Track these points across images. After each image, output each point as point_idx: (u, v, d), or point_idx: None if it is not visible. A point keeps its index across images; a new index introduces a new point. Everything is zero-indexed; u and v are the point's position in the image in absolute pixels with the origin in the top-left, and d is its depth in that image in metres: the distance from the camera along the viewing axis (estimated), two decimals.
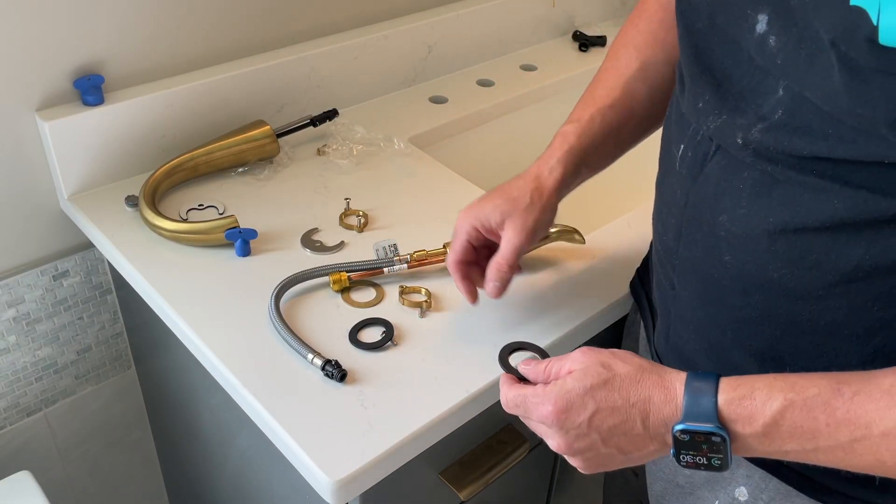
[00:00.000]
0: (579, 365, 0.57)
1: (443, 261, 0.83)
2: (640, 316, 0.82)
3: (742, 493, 0.66)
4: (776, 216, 0.54)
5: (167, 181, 0.93)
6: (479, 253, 0.77)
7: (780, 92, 0.51)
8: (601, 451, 0.57)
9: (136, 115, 0.94)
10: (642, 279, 0.80)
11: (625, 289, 0.83)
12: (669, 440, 0.54)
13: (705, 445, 0.52)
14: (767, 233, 0.55)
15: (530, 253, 0.86)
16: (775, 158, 0.52)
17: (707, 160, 0.59)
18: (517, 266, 0.74)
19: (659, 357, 0.73)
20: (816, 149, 0.50)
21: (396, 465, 0.68)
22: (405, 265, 0.83)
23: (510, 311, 0.80)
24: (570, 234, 0.86)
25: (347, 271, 0.82)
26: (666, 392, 0.54)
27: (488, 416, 0.78)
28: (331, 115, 1.06)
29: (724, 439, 0.52)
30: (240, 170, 0.99)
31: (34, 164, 0.92)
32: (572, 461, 0.59)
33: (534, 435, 0.88)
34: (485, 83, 1.25)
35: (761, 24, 0.51)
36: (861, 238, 0.51)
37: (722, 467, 0.53)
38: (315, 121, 1.05)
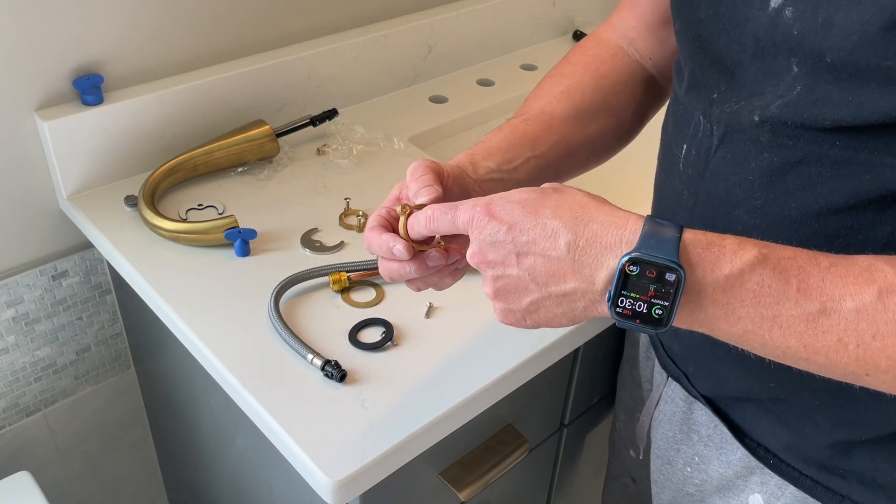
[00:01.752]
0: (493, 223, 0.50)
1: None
2: None
3: (757, 500, 0.66)
4: (797, 201, 0.51)
5: (167, 181, 0.93)
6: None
7: (795, 68, 0.50)
8: (513, 272, 0.49)
9: (135, 115, 0.94)
10: None
11: None
12: (601, 278, 0.46)
13: (654, 286, 0.45)
14: (789, 220, 0.52)
15: None
16: (794, 135, 0.50)
17: (711, 154, 0.57)
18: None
19: (673, 361, 0.72)
20: (839, 117, 0.47)
21: (396, 465, 0.68)
22: None
23: None
24: None
25: (347, 271, 0.82)
26: (612, 218, 0.47)
27: (488, 416, 0.78)
28: (331, 114, 1.06)
29: (679, 279, 0.45)
30: (239, 170, 0.99)
31: (33, 163, 0.92)
32: (484, 285, 0.52)
33: (534, 435, 0.88)
34: (485, 83, 1.24)
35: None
36: (887, 215, 0.49)
37: (660, 323, 0.46)
38: (315, 121, 1.05)
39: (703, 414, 0.69)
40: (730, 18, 0.55)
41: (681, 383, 0.71)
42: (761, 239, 0.49)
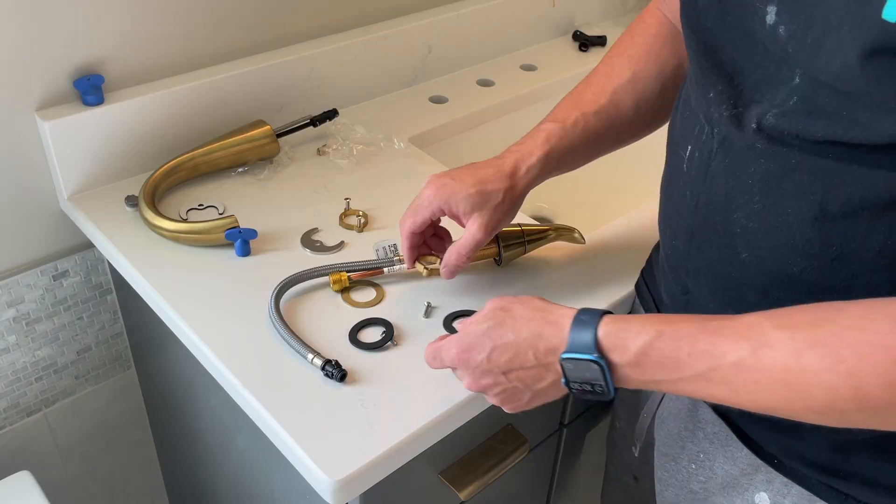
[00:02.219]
0: (482, 312, 0.63)
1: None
2: None
3: (763, 498, 0.66)
4: (792, 207, 0.54)
5: (167, 181, 0.93)
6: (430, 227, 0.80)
7: (797, 80, 0.51)
8: (507, 386, 0.62)
9: (136, 115, 0.94)
10: (648, 282, 0.80)
11: (625, 289, 0.83)
12: (558, 371, 0.59)
13: (588, 373, 0.57)
14: (786, 225, 0.55)
15: (530, 253, 0.86)
16: (790, 143, 0.52)
17: (712, 158, 0.58)
18: (467, 261, 0.78)
19: None
20: (832, 131, 0.50)
21: (396, 465, 0.68)
22: (405, 265, 0.82)
23: None
24: (570, 234, 0.86)
25: (347, 271, 0.82)
26: (554, 326, 0.59)
27: (488, 416, 0.78)
28: (331, 115, 1.06)
29: (601, 366, 0.56)
30: (240, 170, 0.99)
31: (34, 164, 0.92)
32: (488, 399, 0.65)
33: (534, 435, 0.88)
34: (485, 83, 1.25)
35: (770, 15, 0.51)
36: (881, 223, 0.50)
37: (605, 394, 0.58)
38: (315, 121, 1.05)
39: (707, 412, 0.69)
40: (736, 28, 0.55)
41: None
42: (755, 245, 0.57)
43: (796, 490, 0.63)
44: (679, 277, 0.67)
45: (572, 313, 0.59)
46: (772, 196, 0.55)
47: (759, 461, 0.65)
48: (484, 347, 0.62)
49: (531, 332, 0.60)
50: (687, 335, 0.53)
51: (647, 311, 0.80)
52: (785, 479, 0.64)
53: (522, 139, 0.79)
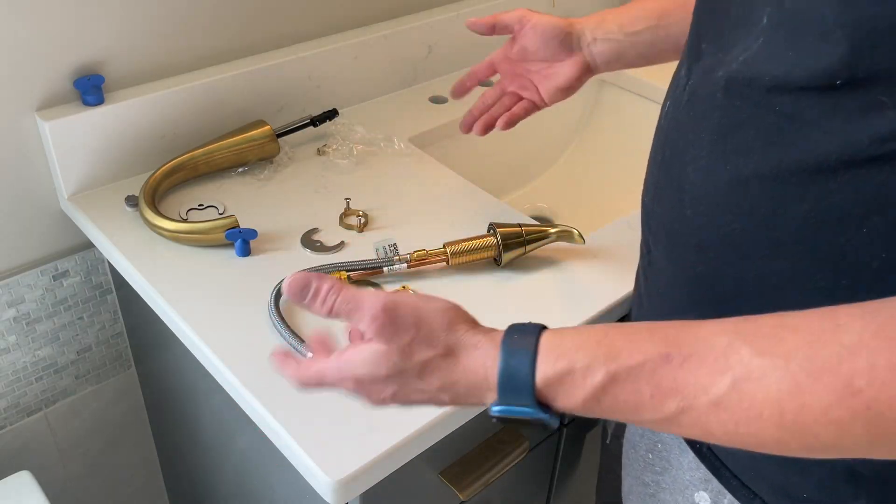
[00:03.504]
0: (373, 348, 0.50)
1: (443, 261, 0.83)
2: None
3: (703, 497, 0.65)
4: (732, 164, 0.51)
5: (167, 181, 0.93)
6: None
7: (765, 20, 0.49)
8: (421, 399, 0.52)
9: (136, 115, 0.94)
10: None
11: (625, 289, 0.83)
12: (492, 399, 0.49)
13: (525, 424, 0.49)
14: (724, 182, 0.52)
15: (530, 253, 0.86)
16: (743, 94, 0.50)
17: (679, 110, 0.57)
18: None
19: None
20: (778, 73, 0.47)
21: (396, 465, 0.68)
22: (405, 265, 0.83)
23: (509, 311, 0.80)
24: (570, 234, 0.86)
25: (347, 271, 0.82)
26: (474, 375, 0.49)
27: (488, 416, 0.78)
28: (331, 115, 1.07)
29: (542, 422, 0.48)
30: (240, 170, 0.99)
31: (34, 164, 0.92)
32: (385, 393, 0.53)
33: (534, 435, 0.88)
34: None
35: None
36: (808, 191, 0.48)
37: (548, 430, 0.49)
38: (315, 121, 1.05)
39: None
40: None
41: None
42: (697, 201, 0.53)
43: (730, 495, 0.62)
44: (645, 236, 0.66)
45: (494, 355, 0.48)
46: (717, 151, 0.52)
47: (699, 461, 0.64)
48: (388, 388, 0.51)
49: (444, 381, 0.50)
50: (647, 373, 0.44)
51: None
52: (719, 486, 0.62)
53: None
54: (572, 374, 0.46)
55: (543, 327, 0.49)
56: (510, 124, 0.88)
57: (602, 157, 1.30)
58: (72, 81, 0.91)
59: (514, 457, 0.84)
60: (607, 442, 0.84)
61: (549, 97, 0.86)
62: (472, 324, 0.51)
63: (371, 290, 0.52)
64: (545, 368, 0.47)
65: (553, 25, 0.82)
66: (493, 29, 0.85)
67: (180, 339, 0.80)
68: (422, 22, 1.18)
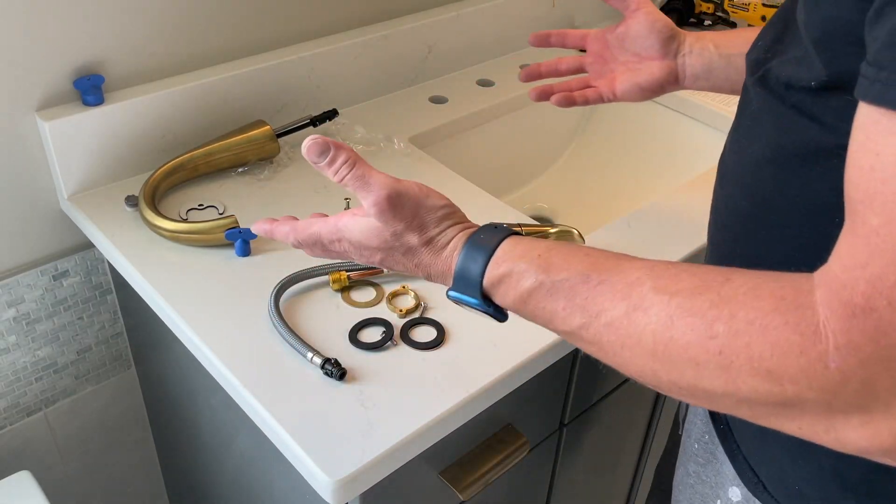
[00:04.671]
0: (370, 223, 0.59)
1: None
2: None
3: (735, 493, 0.66)
4: (752, 147, 0.57)
5: (167, 181, 0.93)
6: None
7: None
8: (401, 269, 0.62)
9: (136, 115, 0.94)
10: None
11: None
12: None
13: (474, 307, 0.57)
14: (741, 164, 0.58)
15: None
16: (770, 87, 0.55)
17: (740, 103, 0.62)
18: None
19: None
20: (790, 75, 0.52)
21: (396, 465, 0.68)
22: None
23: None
24: (570, 234, 0.86)
25: (347, 270, 0.82)
26: (443, 265, 0.58)
27: (488, 416, 0.78)
28: (331, 115, 1.07)
29: (484, 311, 0.57)
30: (240, 170, 0.99)
31: (34, 164, 0.92)
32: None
33: (534, 435, 0.88)
34: (485, 83, 1.25)
35: None
36: (798, 176, 0.52)
37: (498, 319, 0.57)
38: (315, 121, 1.05)
39: None
40: None
41: None
42: (726, 180, 0.60)
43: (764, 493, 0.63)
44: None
45: (461, 245, 0.57)
46: (748, 135, 0.58)
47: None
48: (375, 255, 0.61)
49: (419, 262, 0.60)
50: (566, 289, 0.50)
51: None
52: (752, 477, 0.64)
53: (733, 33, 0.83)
54: (510, 278, 0.54)
55: (511, 233, 0.56)
56: (568, 103, 0.85)
57: (602, 157, 1.30)
58: (72, 81, 0.91)
59: (514, 457, 0.84)
60: (679, 432, 0.84)
61: (624, 92, 0.83)
62: (459, 220, 0.60)
63: (381, 174, 0.58)
64: (492, 270, 0.55)
65: (665, 21, 0.81)
66: None
67: (180, 339, 0.80)
68: (422, 22, 1.18)
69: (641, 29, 0.82)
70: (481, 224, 0.59)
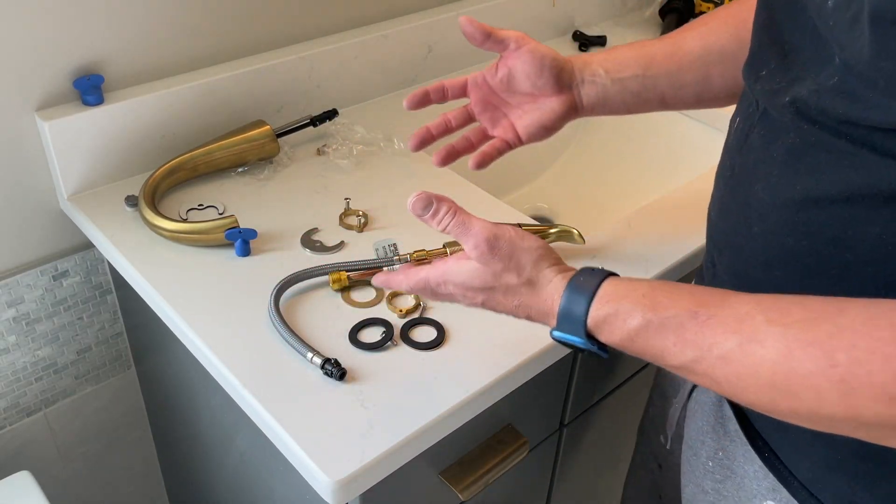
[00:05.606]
0: (472, 265, 0.63)
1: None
2: None
3: None
4: (802, 184, 0.54)
5: (167, 181, 0.93)
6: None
7: (837, 60, 0.50)
8: (502, 310, 0.65)
9: (135, 115, 0.94)
10: None
11: None
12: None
13: (579, 350, 0.60)
14: (793, 202, 0.55)
15: None
16: (816, 119, 0.52)
17: (752, 129, 0.59)
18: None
19: None
20: (852, 112, 0.49)
21: (396, 464, 0.68)
22: (404, 265, 0.82)
23: None
24: (570, 234, 0.86)
25: (347, 271, 0.82)
26: (544, 304, 0.61)
27: (488, 416, 0.78)
28: (331, 115, 1.07)
29: (590, 351, 0.59)
30: (240, 170, 0.99)
31: (34, 164, 0.92)
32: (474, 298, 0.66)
33: (534, 435, 0.88)
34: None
35: None
36: (879, 215, 0.50)
37: (600, 356, 0.59)
38: (315, 121, 1.05)
39: (728, 409, 0.68)
40: (796, 4, 0.55)
41: None
42: (765, 218, 0.57)
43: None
44: (709, 249, 0.68)
45: (562, 288, 0.59)
46: (789, 171, 0.55)
47: (766, 470, 0.65)
48: (477, 298, 0.64)
49: (520, 303, 0.62)
50: (675, 325, 0.52)
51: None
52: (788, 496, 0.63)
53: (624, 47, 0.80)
54: (615, 317, 0.56)
55: (609, 274, 0.59)
56: (482, 165, 0.80)
57: (602, 157, 1.30)
58: (72, 81, 0.91)
59: (514, 457, 0.84)
60: (667, 447, 0.84)
61: (528, 135, 0.79)
62: (555, 262, 0.63)
63: (479, 220, 0.63)
64: (596, 310, 0.57)
65: (553, 55, 0.76)
66: (487, 38, 0.78)
67: (180, 339, 0.80)
68: (422, 22, 1.18)
69: (530, 69, 0.76)
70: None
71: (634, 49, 0.78)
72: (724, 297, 0.52)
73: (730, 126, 0.67)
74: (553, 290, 0.60)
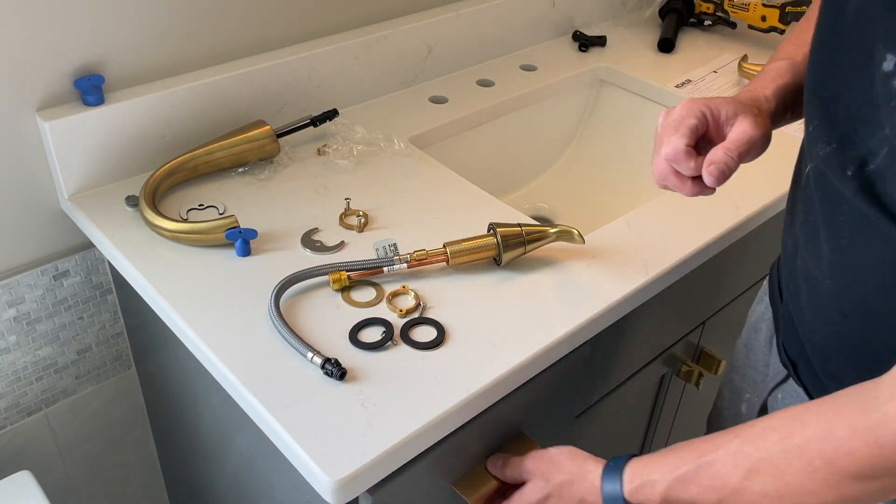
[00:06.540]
0: (532, 485, 0.74)
1: (443, 260, 0.83)
2: (770, 313, 0.82)
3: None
4: (874, 254, 0.57)
5: (167, 181, 0.93)
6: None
7: (887, 130, 0.52)
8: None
9: (136, 115, 0.94)
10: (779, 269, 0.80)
11: (624, 290, 0.83)
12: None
13: None
14: (867, 265, 0.59)
15: (530, 253, 0.86)
16: (874, 197, 0.55)
17: (818, 181, 0.62)
18: (737, 162, 0.67)
19: (785, 351, 0.76)
20: None
21: (397, 464, 0.68)
22: (405, 265, 0.83)
23: (509, 311, 0.80)
24: (570, 234, 0.86)
25: (347, 271, 0.82)
26: (590, 493, 0.70)
27: (500, 424, 0.78)
28: (331, 115, 1.07)
29: None
30: (240, 170, 0.99)
31: (34, 164, 0.92)
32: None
33: (545, 442, 0.88)
34: (485, 83, 1.25)
35: (889, 63, 0.52)
36: None
37: None
38: (315, 121, 1.05)
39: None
40: (845, 64, 0.57)
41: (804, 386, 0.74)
42: (837, 274, 0.62)
43: None
44: (784, 279, 0.71)
45: (599, 477, 0.69)
46: (859, 238, 0.58)
47: None
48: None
49: (574, 498, 0.72)
50: (692, 477, 0.62)
51: (772, 297, 0.81)
52: None
53: (751, 81, 0.75)
54: (645, 486, 0.66)
55: (630, 456, 0.69)
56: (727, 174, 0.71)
57: (602, 157, 1.30)
58: (72, 81, 0.91)
59: None
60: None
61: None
62: (587, 458, 0.73)
63: (518, 459, 0.77)
64: (629, 486, 0.67)
65: (763, 133, 0.68)
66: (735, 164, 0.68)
67: (180, 339, 0.80)
68: (422, 22, 1.18)
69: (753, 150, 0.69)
70: None
71: (772, 71, 0.75)
72: (714, 440, 0.62)
73: (798, 164, 0.70)
74: (594, 478, 0.70)
